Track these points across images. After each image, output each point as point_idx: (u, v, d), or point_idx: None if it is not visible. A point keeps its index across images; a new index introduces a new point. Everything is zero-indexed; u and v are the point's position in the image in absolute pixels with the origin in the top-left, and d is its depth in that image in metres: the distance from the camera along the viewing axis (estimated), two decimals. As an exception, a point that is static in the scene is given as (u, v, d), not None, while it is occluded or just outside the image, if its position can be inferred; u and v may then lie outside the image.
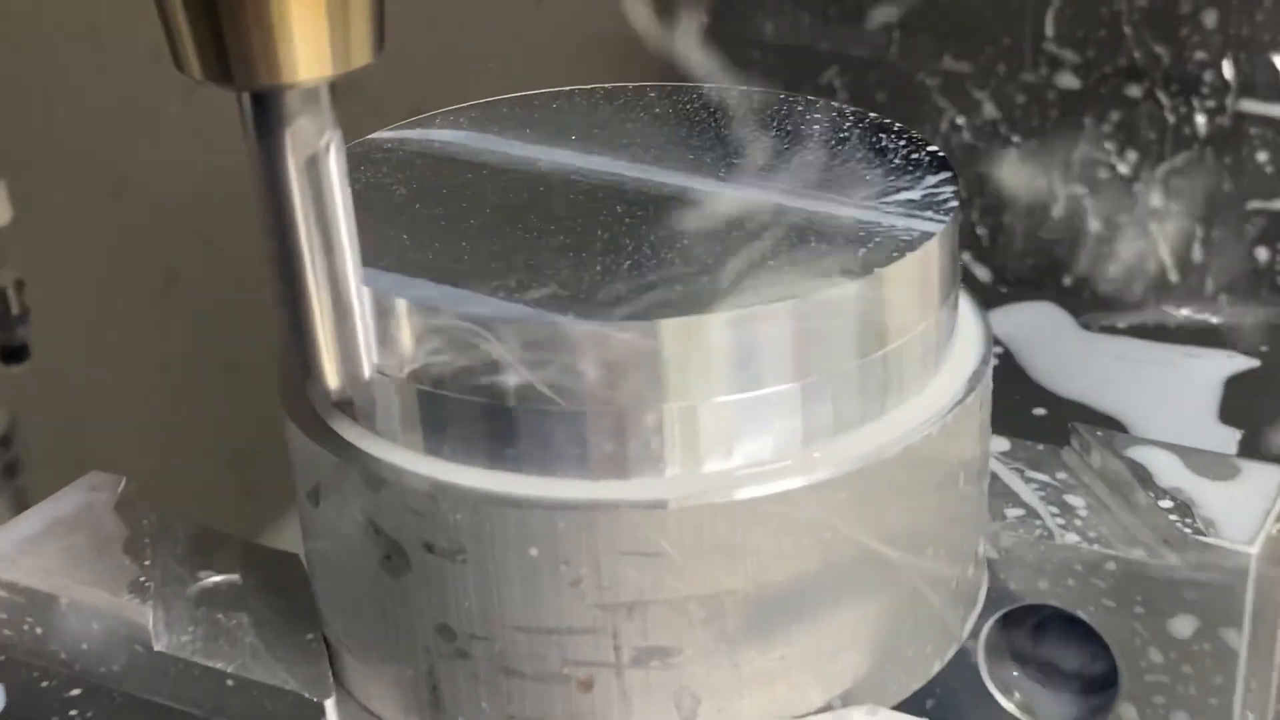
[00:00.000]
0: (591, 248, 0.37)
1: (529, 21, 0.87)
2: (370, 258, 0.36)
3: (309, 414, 0.38)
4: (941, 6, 0.73)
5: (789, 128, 0.42)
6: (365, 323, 0.35)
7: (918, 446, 0.37)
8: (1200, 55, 0.68)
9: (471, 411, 0.35)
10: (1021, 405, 0.58)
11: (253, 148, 0.33)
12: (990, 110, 0.73)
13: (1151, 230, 0.71)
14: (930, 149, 0.41)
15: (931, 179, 0.40)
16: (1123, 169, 0.71)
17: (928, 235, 0.37)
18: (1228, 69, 0.68)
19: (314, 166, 0.33)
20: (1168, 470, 0.43)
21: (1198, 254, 0.70)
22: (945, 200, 0.39)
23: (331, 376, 0.35)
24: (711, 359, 0.35)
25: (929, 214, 0.38)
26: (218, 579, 0.42)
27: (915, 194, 0.39)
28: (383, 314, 0.36)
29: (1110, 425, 0.56)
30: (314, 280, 0.34)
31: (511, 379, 0.35)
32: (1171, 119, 0.69)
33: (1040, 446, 0.46)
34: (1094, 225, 0.72)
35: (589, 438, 0.35)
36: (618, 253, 0.37)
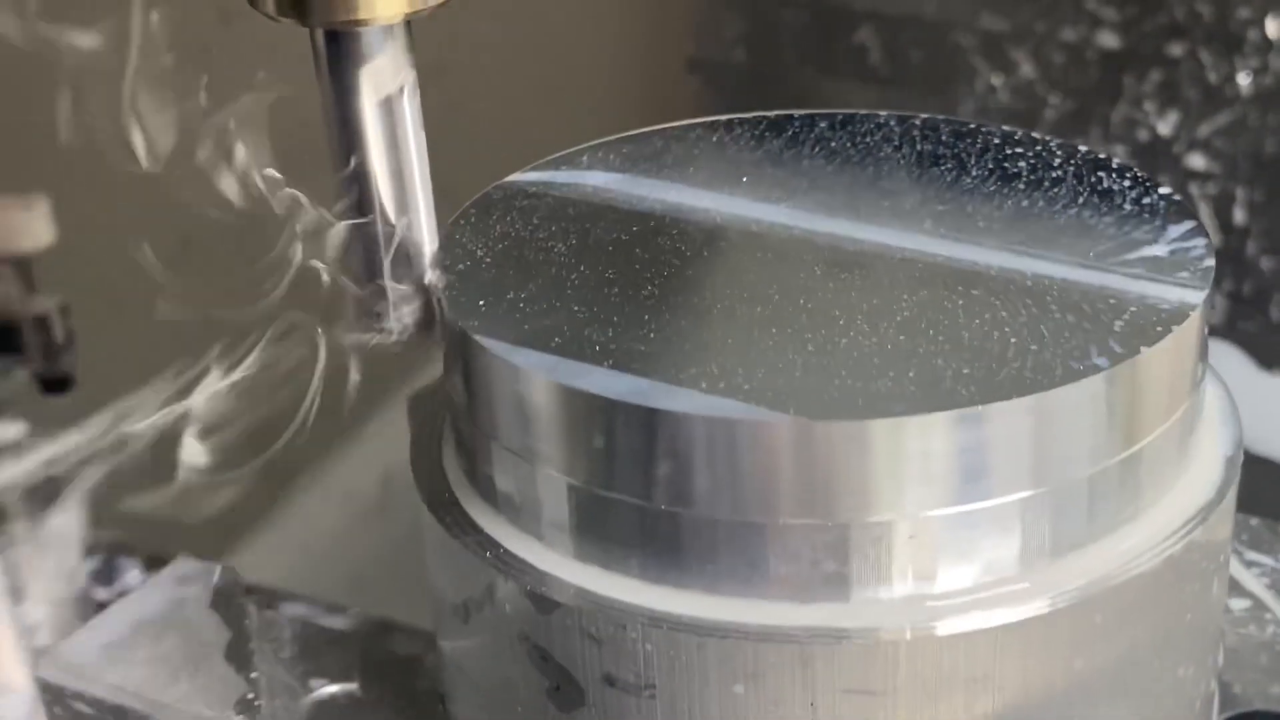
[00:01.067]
0: (795, 323, 0.31)
1: (558, 21, 0.82)
2: (542, 336, 0.31)
3: (460, 516, 0.32)
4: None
5: (990, 165, 0.37)
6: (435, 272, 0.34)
7: (1179, 554, 0.31)
8: (1243, 13, 0.63)
9: (664, 522, 0.30)
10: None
11: (326, 90, 0.32)
12: (1028, 70, 0.69)
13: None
14: (1163, 191, 0.35)
15: (1174, 229, 0.34)
16: (1163, 129, 0.66)
17: (1189, 305, 0.31)
18: (1271, 27, 0.63)
19: (389, 109, 0.32)
20: None
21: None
22: (1199, 257, 0.33)
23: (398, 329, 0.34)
24: (944, 463, 0.29)
25: (1183, 275, 0.32)
26: (334, 689, 0.37)
27: (1160, 249, 0.33)
28: (563, 404, 0.30)
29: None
30: (384, 228, 0.33)
31: (710, 485, 0.29)
32: (1213, 78, 0.64)
33: (1254, 521, 0.40)
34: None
35: (802, 554, 0.30)
36: (827, 330, 0.31)
